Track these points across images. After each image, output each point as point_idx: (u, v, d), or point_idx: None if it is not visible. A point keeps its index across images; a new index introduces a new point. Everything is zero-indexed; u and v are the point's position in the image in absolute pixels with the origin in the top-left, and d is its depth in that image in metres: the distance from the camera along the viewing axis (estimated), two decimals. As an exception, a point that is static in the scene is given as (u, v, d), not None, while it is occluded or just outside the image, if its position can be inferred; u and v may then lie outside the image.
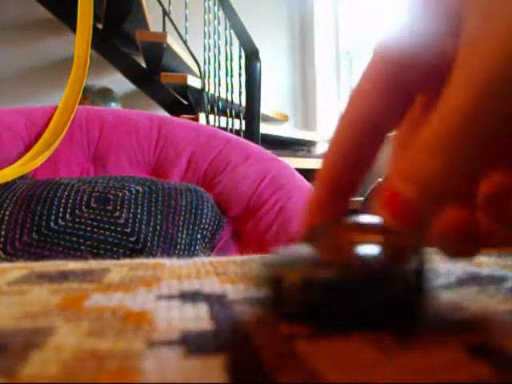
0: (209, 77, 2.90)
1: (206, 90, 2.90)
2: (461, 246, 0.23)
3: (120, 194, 0.99)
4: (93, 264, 0.35)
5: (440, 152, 0.18)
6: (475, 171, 0.19)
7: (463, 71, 0.18)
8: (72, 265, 0.35)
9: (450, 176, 0.18)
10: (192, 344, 0.17)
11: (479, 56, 0.18)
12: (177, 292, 0.25)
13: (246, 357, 0.15)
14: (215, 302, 0.23)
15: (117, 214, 0.96)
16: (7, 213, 0.94)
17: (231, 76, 2.58)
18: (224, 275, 0.30)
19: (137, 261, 0.36)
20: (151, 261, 0.36)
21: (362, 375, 0.14)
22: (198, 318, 0.20)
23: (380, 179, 2.15)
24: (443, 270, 0.30)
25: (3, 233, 0.91)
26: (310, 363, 0.15)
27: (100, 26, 3.21)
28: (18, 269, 0.34)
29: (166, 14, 3.07)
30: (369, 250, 0.19)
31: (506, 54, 0.17)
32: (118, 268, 0.33)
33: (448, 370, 0.14)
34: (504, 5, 0.18)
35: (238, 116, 2.57)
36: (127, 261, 0.36)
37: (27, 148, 1.16)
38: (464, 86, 0.18)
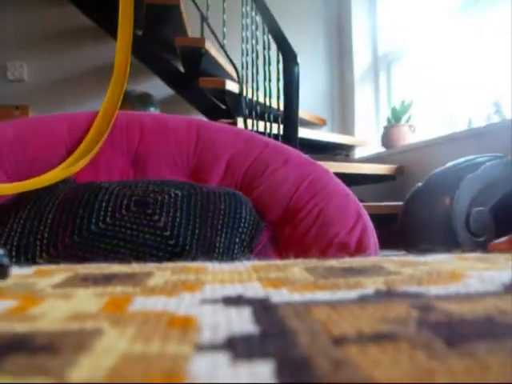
0: (247, 81, 2.90)
1: (244, 94, 2.91)
2: None
3: (159, 198, 1.00)
4: (136, 267, 0.35)
5: None
6: None
7: None
8: (115, 268, 0.35)
9: None
10: (239, 348, 0.17)
11: None
12: (220, 296, 0.25)
13: (296, 363, 0.15)
14: (259, 305, 0.23)
15: (156, 217, 0.96)
16: (50, 216, 0.96)
17: (269, 80, 2.58)
18: (266, 279, 0.30)
19: (179, 264, 0.36)
20: (193, 264, 0.36)
21: (418, 382, 0.13)
22: (242, 321, 0.20)
23: (420, 183, 2.12)
24: (488, 276, 0.29)
25: (46, 235, 0.93)
26: (364, 371, 0.14)
27: (139, 33, 3.26)
28: (62, 271, 0.34)
29: (204, 19, 3.09)
30: None
31: None
32: (160, 272, 0.33)
33: (498, 373, 0.14)
34: None
35: (276, 120, 2.56)
36: (170, 264, 0.36)
37: (69, 152, 1.18)
38: None
